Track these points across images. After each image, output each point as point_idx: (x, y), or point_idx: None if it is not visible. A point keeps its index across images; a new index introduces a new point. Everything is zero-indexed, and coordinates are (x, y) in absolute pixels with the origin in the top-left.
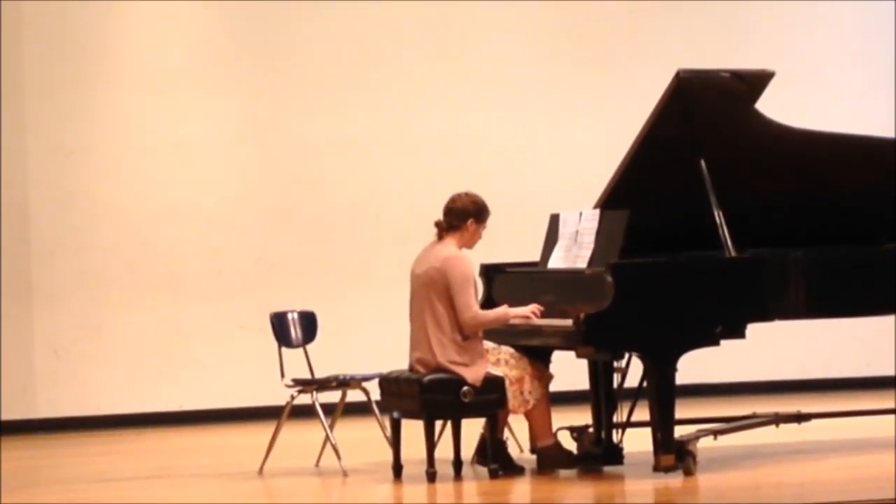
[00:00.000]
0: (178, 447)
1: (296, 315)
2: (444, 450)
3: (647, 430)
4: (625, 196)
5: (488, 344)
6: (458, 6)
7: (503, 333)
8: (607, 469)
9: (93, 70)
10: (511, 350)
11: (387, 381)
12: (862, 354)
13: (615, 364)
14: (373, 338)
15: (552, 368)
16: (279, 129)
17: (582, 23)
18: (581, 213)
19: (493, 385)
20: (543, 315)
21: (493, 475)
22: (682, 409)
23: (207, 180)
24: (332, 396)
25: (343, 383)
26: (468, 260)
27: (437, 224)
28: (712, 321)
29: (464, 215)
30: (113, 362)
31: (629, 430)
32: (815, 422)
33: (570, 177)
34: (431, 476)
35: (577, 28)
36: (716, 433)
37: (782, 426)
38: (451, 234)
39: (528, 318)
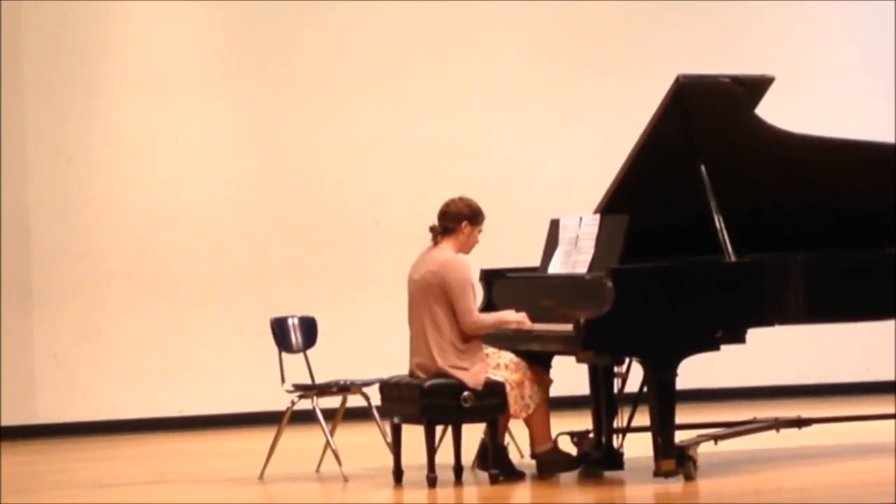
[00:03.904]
0: (178, 452)
1: (296, 320)
2: (445, 455)
3: (648, 435)
4: (625, 201)
5: (488, 349)
6: (458, 10)
7: (503, 338)
8: (608, 474)
9: (93, 74)
10: (511, 355)
11: (387, 387)
12: (862, 359)
13: (615, 369)
14: (373, 343)
15: (552, 373)
16: (279, 134)
17: (582, 27)
18: (581, 218)
19: (494, 390)
20: (544, 320)
21: (494, 480)
22: (683, 414)
23: (207, 185)
24: (333, 402)
25: (343, 388)
26: (466, 264)
27: (432, 229)
28: (712, 326)
29: (458, 218)
30: (112, 367)
31: (629, 435)
32: (815, 427)
33: (570, 182)
34: (432, 481)
35: (577, 32)
36: (716, 438)
37: (783, 431)
38: (447, 238)
39: (521, 323)
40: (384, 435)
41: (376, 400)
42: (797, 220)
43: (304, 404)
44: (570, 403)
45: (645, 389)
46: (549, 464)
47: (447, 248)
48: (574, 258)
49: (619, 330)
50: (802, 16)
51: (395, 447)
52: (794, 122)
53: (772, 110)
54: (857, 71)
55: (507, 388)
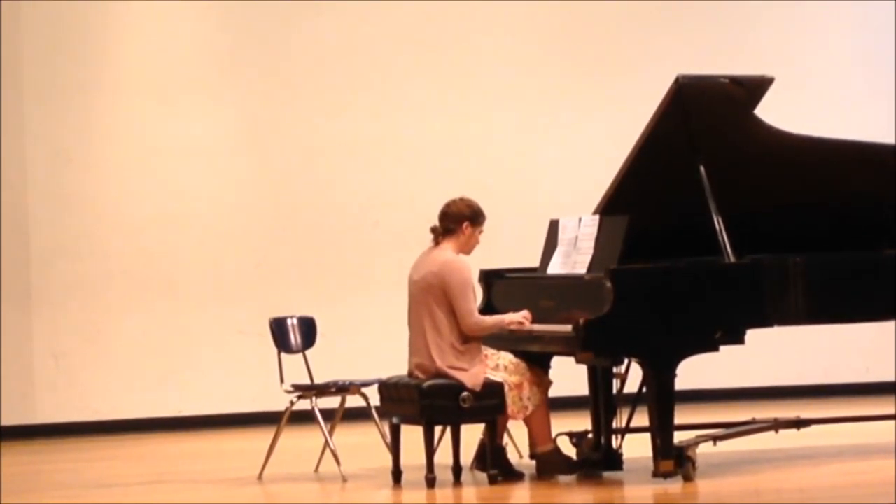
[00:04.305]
0: (177, 452)
1: (295, 320)
2: (444, 455)
3: (647, 436)
4: (624, 201)
5: (487, 349)
6: (458, 10)
7: (503, 339)
8: (607, 475)
9: (92, 75)
10: (510, 356)
11: (386, 387)
12: (861, 360)
13: (614, 370)
14: (372, 343)
15: (552, 374)
16: (279, 134)
17: (582, 28)
18: (580, 219)
19: (493, 391)
20: (543, 321)
21: (493, 481)
22: (682, 415)
23: (207, 185)
24: (332, 402)
25: (342, 389)
26: (466, 265)
27: (433, 230)
28: (712, 327)
29: (459, 219)
30: (112, 368)
31: (628, 436)
32: (814, 427)
33: (570, 182)
34: (431, 482)
35: (577, 33)
36: (715, 439)
37: (782, 432)
38: (448, 239)
39: (521, 323)
40: (383, 435)
41: (375, 400)
42: (797, 220)
43: (303, 404)
44: (569, 404)
45: (644, 390)
46: (549, 465)
47: (448, 249)
48: (573, 259)
49: (619, 331)
50: (802, 16)
51: (394, 447)
52: (794, 122)
53: (771, 110)
54: (856, 71)
55: (506, 388)
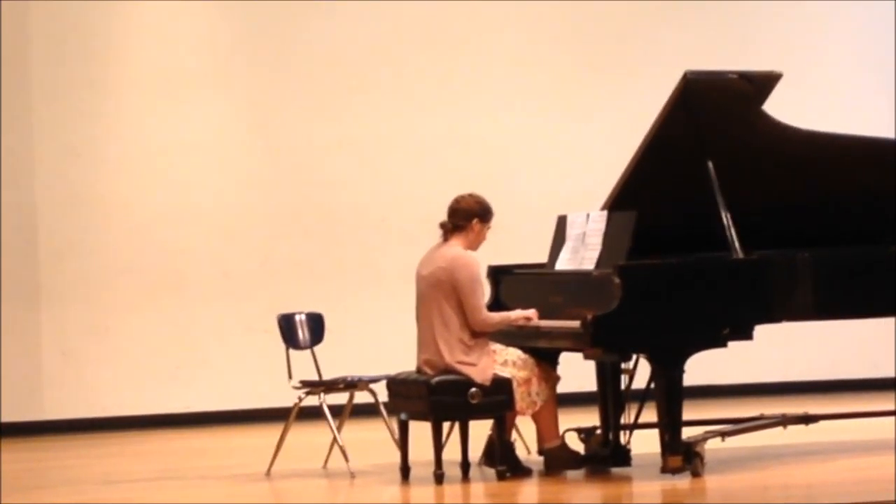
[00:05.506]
0: (185, 449)
1: (303, 317)
2: (452, 451)
3: (655, 432)
4: (632, 197)
5: (495, 345)
6: (463, 8)
7: (511, 335)
8: (615, 470)
9: (100, 72)
10: (518, 352)
11: (394, 383)
12: (869, 356)
13: (623, 365)
14: (380, 339)
15: (560, 370)
16: (286, 131)
17: (589, 24)
18: (588, 215)
19: (501, 386)
20: (551, 316)
21: (501, 477)
22: (690, 411)
23: (214, 182)
24: (340, 398)
25: (351, 385)
26: (475, 260)
27: (443, 225)
28: (720, 323)
29: (468, 215)
30: (120, 364)
31: (637, 432)
32: (822, 423)
33: (578, 178)
34: (439, 478)
35: (584, 29)
36: (723, 434)
37: (790, 428)
38: (457, 235)
39: (528, 319)
40: (391, 431)
41: (383, 396)
42: (804, 215)
43: (312, 401)
44: (577, 400)
45: (652, 386)
46: (557, 461)
47: (456, 245)
48: (581, 254)
49: (627, 327)
50: (803, 15)
51: (403, 444)
52: (801, 118)
53: (778, 106)
54: (862, 67)
55: (514, 384)
